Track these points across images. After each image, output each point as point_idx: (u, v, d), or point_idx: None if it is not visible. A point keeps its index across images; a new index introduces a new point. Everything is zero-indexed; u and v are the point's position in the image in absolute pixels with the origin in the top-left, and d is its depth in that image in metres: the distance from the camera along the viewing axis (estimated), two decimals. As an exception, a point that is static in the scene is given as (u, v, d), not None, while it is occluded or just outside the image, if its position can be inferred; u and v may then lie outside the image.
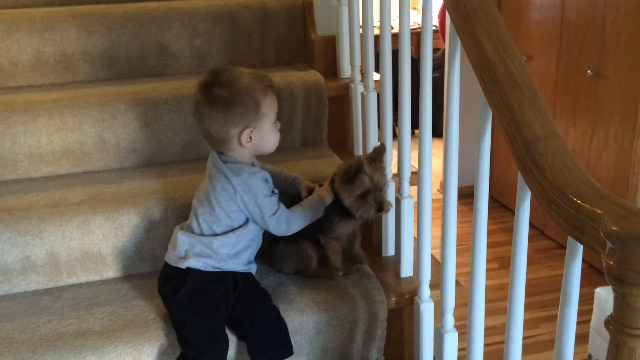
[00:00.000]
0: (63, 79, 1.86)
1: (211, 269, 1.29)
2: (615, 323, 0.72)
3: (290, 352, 1.30)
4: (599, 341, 2.23)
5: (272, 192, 1.32)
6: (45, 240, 1.42)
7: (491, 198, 4.00)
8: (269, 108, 1.28)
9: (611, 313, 0.74)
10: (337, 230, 1.39)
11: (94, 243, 1.46)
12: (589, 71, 2.99)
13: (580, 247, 0.83)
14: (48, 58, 1.84)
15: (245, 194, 1.26)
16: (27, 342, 1.26)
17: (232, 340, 1.30)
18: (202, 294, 1.27)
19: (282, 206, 1.32)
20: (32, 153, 1.64)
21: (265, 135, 1.29)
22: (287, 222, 1.31)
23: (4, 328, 1.31)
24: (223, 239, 1.29)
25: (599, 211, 0.74)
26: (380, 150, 1.35)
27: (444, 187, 1.23)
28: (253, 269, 1.38)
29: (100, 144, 1.67)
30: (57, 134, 1.64)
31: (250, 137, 1.26)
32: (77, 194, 1.52)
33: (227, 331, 1.29)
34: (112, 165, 1.70)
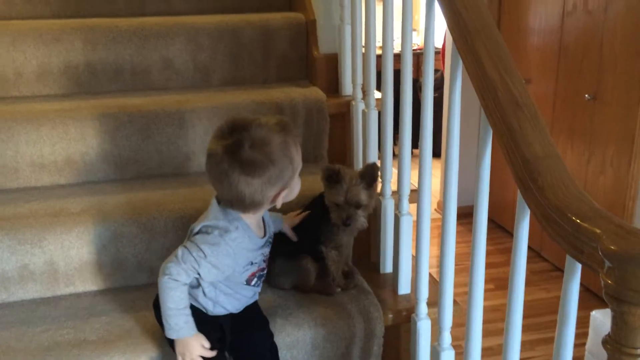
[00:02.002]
0: (67, 90, 1.88)
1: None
2: (613, 342, 0.73)
3: None
4: (595, 364, 2.23)
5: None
6: (45, 249, 1.42)
7: (488, 219, 4.00)
8: (299, 159, 1.18)
9: (609, 332, 0.74)
10: (338, 239, 1.41)
11: (93, 253, 1.46)
12: (586, 95, 3.02)
13: (579, 267, 0.84)
14: (53, 69, 1.85)
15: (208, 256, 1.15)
16: (23, 350, 1.25)
17: (229, 354, 1.30)
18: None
19: (185, 286, 1.17)
20: (34, 162, 1.65)
21: (293, 187, 1.20)
22: (168, 289, 1.15)
23: (0, 336, 1.30)
24: (192, 290, 1.22)
25: (598, 231, 0.75)
26: (369, 169, 1.35)
27: (443, 203, 1.24)
28: (251, 301, 1.32)
29: (102, 154, 1.68)
30: (59, 144, 1.65)
31: (282, 196, 1.18)
32: (77, 204, 1.53)
33: None
34: (113, 176, 1.70)
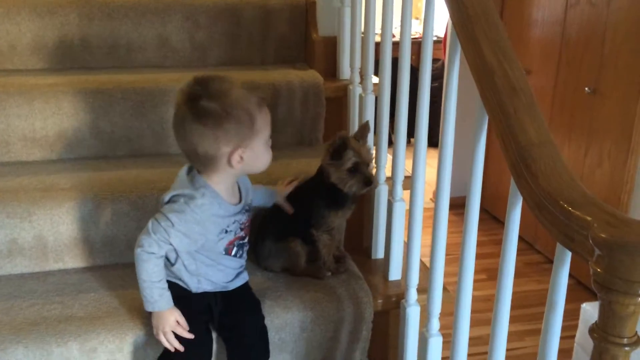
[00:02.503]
0: (61, 64, 1.86)
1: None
2: (600, 331, 0.73)
3: (267, 358, 1.30)
4: (583, 356, 2.24)
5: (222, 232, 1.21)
6: (34, 224, 1.41)
7: (483, 210, 4.00)
8: (264, 123, 1.16)
9: (596, 321, 0.74)
10: (329, 222, 1.40)
11: (83, 229, 1.45)
12: (586, 88, 3.01)
13: (569, 255, 0.84)
14: (47, 43, 1.83)
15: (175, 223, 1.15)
16: (9, 324, 1.25)
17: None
18: (175, 304, 1.23)
19: (159, 259, 1.17)
20: (25, 136, 1.63)
21: (257, 154, 1.17)
22: (141, 262, 1.17)
23: (-13, 309, 1.30)
24: (175, 268, 1.23)
25: (589, 218, 0.74)
26: (364, 129, 1.37)
27: (437, 188, 1.23)
28: (237, 283, 1.30)
29: (95, 131, 1.67)
30: (52, 118, 1.63)
31: (241, 157, 1.15)
32: (68, 180, 1.51)
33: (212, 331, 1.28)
34: (105, 153, 1.69)
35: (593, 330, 0.73)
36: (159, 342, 1.23)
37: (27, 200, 1.41)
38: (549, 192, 0.81)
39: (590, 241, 0.72)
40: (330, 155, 1.33)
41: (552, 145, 0.87)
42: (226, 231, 1.23)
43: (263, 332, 1.30)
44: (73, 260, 1.47)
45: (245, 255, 1.32)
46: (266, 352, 1.30)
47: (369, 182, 1.33)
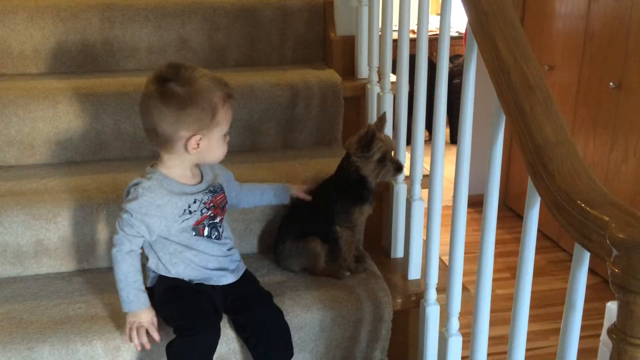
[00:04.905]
0: (83, 67, 1.89)
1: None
2: (618, 332, 0.72)
3: (290, 355, 1.30)
4: (609, 355, 2.20)
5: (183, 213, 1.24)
6: (59, 225, 1.44)
7: (507, 208, 3.96)
8: (224, 117, 1.21)
9: (614, 322, 0.73)
10: (353, 219, 1.41)
11: (107, 230, 1.47)
12: (611, 83, 2.95)
13: (587, 255, 0.83)
14: (70, 47, 1.87)
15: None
16: (35, 323, 1.28)
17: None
18: (171, 290, 1.26)
19: (134, 258, 1.22)
20: (50, 139, 1.67)
21: (213, 145, 1.22)
22: (116, 262, 1.21)
23: (14, 309, 1.33)
24: (159, 264, 1.28)
25: (606, 218, 0.73)
26: (381, 120, 1.41)
27: (455, 187, 1.23)
28: (230, 277, 1.31)
29: (117, 133, 1.69)
30: (75, 121, 1.66)
31: (198, 144, 1.19)
32: (92, 181, 1.54)
33: (231, 330, 1.29)
34: (127, 155, 1.72)
35: (611, 331, 0.73)
36: (181, 340, 1.22)
37: (52, 201, 1.45)
38: (566, 192, 0.80)
39: (608, 241, 0.71)
40: (361, 148, 1.36)
41: (569, 144, 0.86)
42: (190, 212, 1.25)
43: (284, 327, 1.30)
44: (97, 261, 1.50)
45: (227, 241, 1.32)
46: (288, 349, 1.30)
47: (400, 167, 1.39)
